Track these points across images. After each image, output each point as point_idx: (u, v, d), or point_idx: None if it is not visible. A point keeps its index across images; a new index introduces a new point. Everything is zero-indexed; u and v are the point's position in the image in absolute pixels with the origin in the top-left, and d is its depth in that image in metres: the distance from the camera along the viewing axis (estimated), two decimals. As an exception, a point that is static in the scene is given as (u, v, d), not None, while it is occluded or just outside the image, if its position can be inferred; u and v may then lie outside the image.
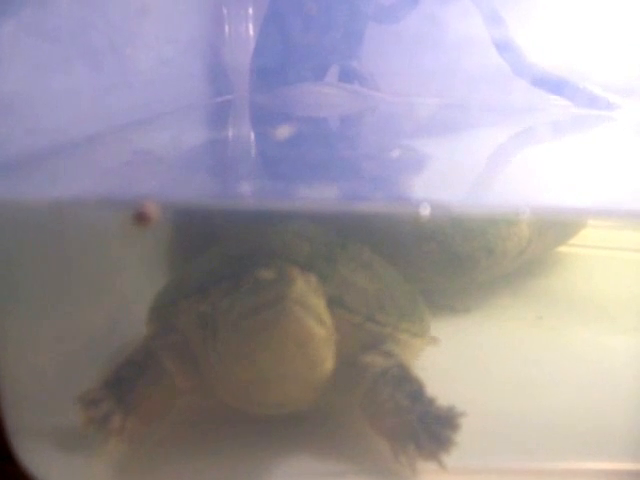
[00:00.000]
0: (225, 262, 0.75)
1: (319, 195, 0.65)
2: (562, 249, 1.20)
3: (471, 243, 0.99)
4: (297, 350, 0.61)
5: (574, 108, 1.05)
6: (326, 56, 1.14)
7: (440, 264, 0.99)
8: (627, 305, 1.01)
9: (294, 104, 1.13)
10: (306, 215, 0.81)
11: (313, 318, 0.60)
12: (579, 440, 0.70)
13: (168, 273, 0.92)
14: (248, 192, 0.67)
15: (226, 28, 1.22)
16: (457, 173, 0.75)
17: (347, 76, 1.17)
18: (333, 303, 0.67)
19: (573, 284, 1.12)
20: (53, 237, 0.74)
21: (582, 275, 1.16)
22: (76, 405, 0.65)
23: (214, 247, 0.81)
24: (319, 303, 0.61)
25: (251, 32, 1.22)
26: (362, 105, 1.16)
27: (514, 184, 0.75)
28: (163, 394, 0.69)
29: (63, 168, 0.72)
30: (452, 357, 0.85)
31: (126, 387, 0.67)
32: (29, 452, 0.63)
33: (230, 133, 1.05)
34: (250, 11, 1.23)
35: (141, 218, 0.56)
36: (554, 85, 1.03)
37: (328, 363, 0.64)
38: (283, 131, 0.95)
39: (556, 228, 1.12)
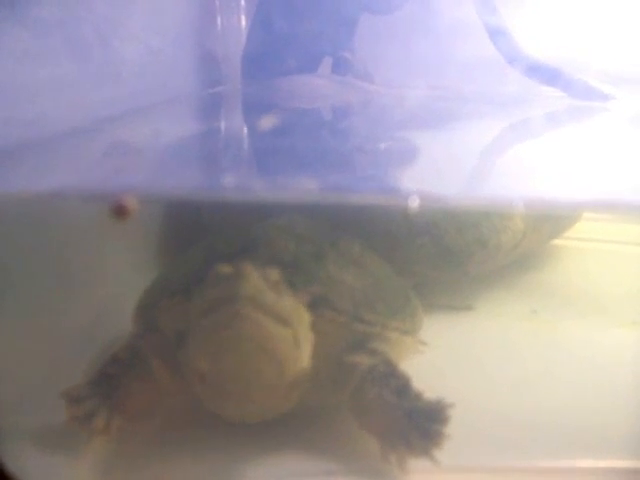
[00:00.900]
0: (208, 260, 0.74)
1: (308, 187, 0.64)
2: (557, 242, 1.19)
3: (465, 237, 0.98)
4: (257, 350, 0.59)
5: (568, 99, 1.04)
6: (319, 48, 1.14)
7: (433, 258, 0.98)
8: (622, 298, 1.01)
9: (286, 96, 1.13)
10: (296, 208, 0.80)
11: (269, 316, 0.58)
12: (575, 436, 0.69)
13: (155, 267, 0.91)
14: (235, 184, 0.66)
15: (218, 19, 1.21)
16: (450, 165, 0.74)
17: (340, 68, 1.17)
18: (318, 303, 0.66)
19: (568, 278, 1.11)
20: (36, 231, 0.73)
21: (577, 268, 1.16)
22: (60, 402, 0.64)
23: (200, 243, 0.80)
24: (279, 301, 0.59)
25: (243, 23, 1.22)
26: (355, 97, 1.15)
27: (508, 176, 0.74)
28: (148, 393, 0.68)
29: (46, 160, 0.71)
30: (445, 352, 0.84)
31: (111, 385, 0.66)
32: (12, 452, 0.62)
33: (221, 125, 1.04)
34: (242, 2, 1.23)
35: (119, 211, 0.55)
36: (548, 75, 1.02)
37: (299, 364, 0.62)
38: (267, 121, 0.94)
39: (551, 221, 1.11)
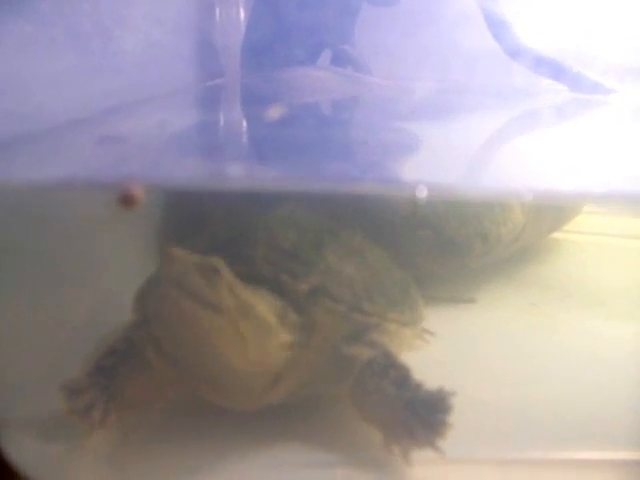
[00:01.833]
0: (206, 250, 0.74)
1: (311, 177, 0.63)
2: (556, 235, 1.19)
3: (466, 229, 0.98)
4: (192, 334, 0.59)
5: (570, 92, 1.04)
6: (318, 39, 1.13)
7: (434, 250, 0.98)
8: (622, 292, 1.01)
9: (286, 87, 1.12)
10: (298, 198, 0.80)
11: (194, 301, 0.57)
12: (574, 429, 0.69)
13: (157, 258, 0.90)
14: (237, 173, 0.65)
15: (217, 11, 1.20)
16: (453, 157, 0.74)
17: (340, 60, 1.16)
18: (317, 292, 0.66)
19: (567, 271, 1.12)
20: (36, 222, 0.73)
21: (576, 262, 1.16)
22: (59, 394, 0.64)
23: (201, 232, 0.80)
24: (208, 287, 0.58)
25: (242, 15, 1.21)
26: (355, 89, 1.15)
27: (510, 168, 0.74)
28: (145, 384, 0.67)
29: (46, 151, 0.70)
30: (445, 344, 0.83)
31: (108, 377, 0.66)
32: (15, 443, 0.62)
33: (221, 116, 1.03)
34: (241, -6, 1.22)
35: (126, 200, 0.55)
36: (549, 68, 1.02)
37: (267, 353, 0.62)
38: (275, 111, 0.94)
39: (551, 214, 1.11)
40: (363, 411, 0.66)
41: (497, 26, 0.98)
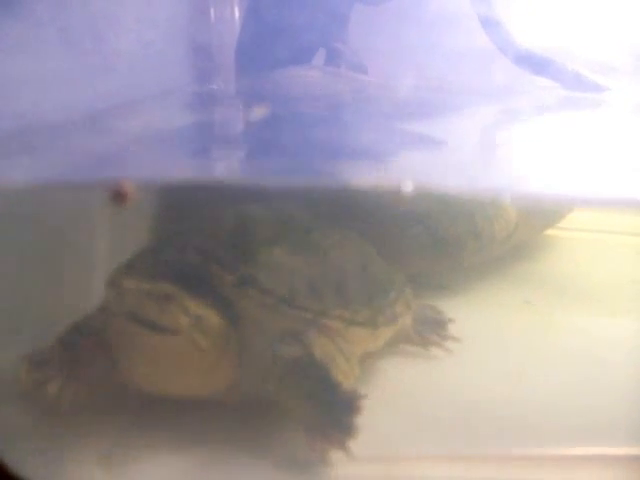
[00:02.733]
0: (165, 244, 0.74)
1: (301, 175, 0.64)
2: (549, 232, 1.19)
3: (458, 227, 0.99)
4: (148, 359, 0.62)
5: (561, 90, 1.04)
6: (312, 39, 1.13)
7: (427, 248, 0.98)
8: (615, 288, 1.01)
9: (280, 87, 1.12)
10: (290, 196, 0.80)
11: (149, 328, 0.60)
12: (569, 426, 0.69)
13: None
14: (227, 173, 0.66)
15: (211, 12, 1.20)
16: (443, 155, 0.74)
17: (334, 60, 1.16)
18: (244, 282, 0.67)
19: (561, 268, 1.12)
20: (27, 220, 0.73)
21: (570, 258, 1.16)
22: (20, 364, 0.66)
23: (175, 229, 0.80)
24: (162, 312, 0.61)
25: (236, 15, 1.21)
26: (348, 88, 1.15)
27: (498, 167, 0.74)
28: (104, 364, 0.67)
29: (39, 151, 0.71)
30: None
31: (70, 353, 0.67)
32: (12, 445, 0.62)
33: (214, 117, 1.03)
34: (235, -5, 1.22)
35: (118, 197, 0.55)
36: (540, 65, 1.02)
37: (210, 356, 0.64)
38: (258, 111, 0.94)
39: (543, 211, 1.11)
40: (287, 408, 0.67)
41: (488, 22, 0.98)
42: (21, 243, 0.74)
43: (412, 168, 0.71)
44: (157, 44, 1.01)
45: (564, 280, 1.07)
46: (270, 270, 0.70)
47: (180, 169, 0.68)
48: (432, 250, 0.98)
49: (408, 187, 0.57)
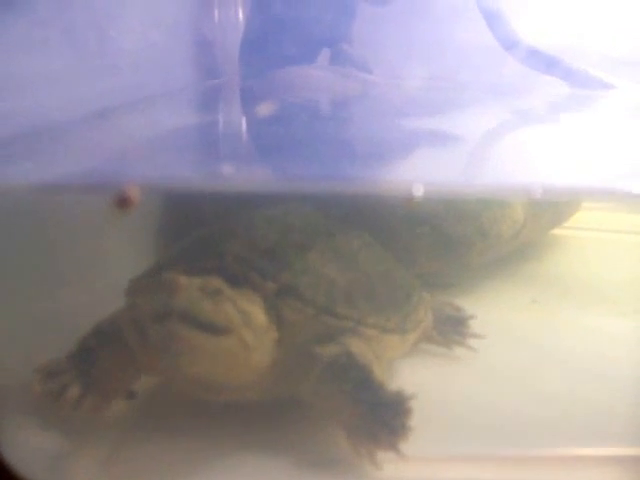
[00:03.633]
0: (186, 248, 0.74)
1: (308, 177, 0.63)
2: (556, 232, 1.19)
3: (465, 226, 0.98)
4: (194, 362, 0.59)
5: (568, 88, 1.04)
6: (317, 38, 1.13)
7: (434, 248, 0.98)
8: (623, 288, 1.01)
9: (285, 87, 1.12)
10: (298, 198, 0.80)
11: (202, 330, 0.58)
12: (576, 425, 0.69)
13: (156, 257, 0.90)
14: (236, 174, 0.65)
15: (215, 10, 1.20)
16: (450, 154, 0.74)
17: (339, 59, 1.16)
18: (285, 292, 0.66)
19: (568, 267, 1.11)
20: (33, 222, 0.73)
21: (577, 258, 1.16)
22: (34, 376, 0.65)
23: (193, 232, 0.80)
24: (216, 310, 0.59)
25: (241, 15, 1.21)
26: (354, 88, 1.14)
27: (507, 165, 0.74)
28: (124, 371, 0.67)
29: (43, 152, 0.70)
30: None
31: (88, 360, 0.66)
32: (11, 444, 0.61)
33: (219, 117, 1.03)
34: (240, -6, 1.22)
35: (122, 202, 0.54)
36: (546, 63, 1.01)
37: (257, 356, 0.63)
38: (264, 108, 0.94)
39: (550, 211, 1.11)
40: (327, 411, 0.67)
41: (493, 20, 0.98)
42: (21, 245, 0.73)
43: (418, 166, 0.71)
44: (162, 43, 1.01)
45: (572, 279, 1.07)
46: (308, 278, 0.69)
47: (186, 170, 0.67)
48: (439, 250, 0.98)
49: (418, 191, 0.57)
